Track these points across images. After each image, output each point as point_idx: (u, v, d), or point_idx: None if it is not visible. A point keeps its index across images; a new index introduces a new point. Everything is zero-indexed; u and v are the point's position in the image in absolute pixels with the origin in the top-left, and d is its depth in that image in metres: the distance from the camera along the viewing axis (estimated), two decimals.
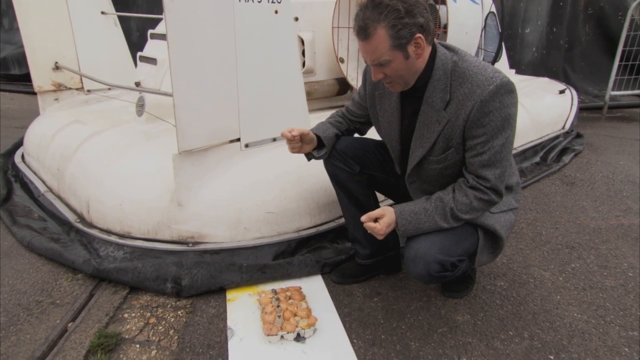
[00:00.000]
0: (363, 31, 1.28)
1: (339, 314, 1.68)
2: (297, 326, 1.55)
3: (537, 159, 3.44)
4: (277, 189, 1.95)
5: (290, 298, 1.71)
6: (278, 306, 1.64)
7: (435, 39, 1.41)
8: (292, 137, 1.58)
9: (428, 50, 1.35)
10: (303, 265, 1.89)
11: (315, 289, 1.83)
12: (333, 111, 1.83)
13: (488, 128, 1.33)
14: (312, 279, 1.90)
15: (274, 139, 2.10)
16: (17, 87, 5.69)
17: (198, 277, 1.77)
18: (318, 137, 1.68)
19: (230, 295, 1.79)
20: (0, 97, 5.46)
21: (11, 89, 5.71)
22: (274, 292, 1.74)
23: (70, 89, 3.13)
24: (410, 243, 1.49)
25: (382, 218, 1.43)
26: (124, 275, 1.78)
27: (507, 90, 1.31)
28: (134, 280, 1.78)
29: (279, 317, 1.58)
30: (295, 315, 1.60)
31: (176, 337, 1.58)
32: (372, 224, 1.42)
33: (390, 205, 1.50)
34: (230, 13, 1.78)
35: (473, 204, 1.42)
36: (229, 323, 1.63)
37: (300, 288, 1.79)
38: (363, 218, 1.43)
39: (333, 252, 2.01)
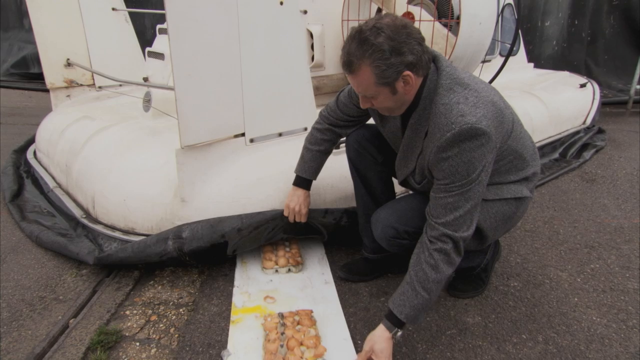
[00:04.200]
0: (347, 66, 1.24)
1: (345, 313, 1.62)
2: (301, 357, 1.39)
3: (555, 155, 3.31)
4: (283, 184, 1.89)
5: (298, 323, 1.52)
6: (282, 333, 1.46)
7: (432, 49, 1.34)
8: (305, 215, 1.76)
9: (419, 81, 1.28)
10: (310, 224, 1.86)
11: (329, 313, 1.63)
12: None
13: (447, 172, 1.26)
14: (327, 301, 1.70)
15: (280, 134, 2.05)
16: (36, 85, 5.80)
17: (198, 228, 1.75)
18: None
19: (235, 316, 1.61)
20: (19, 94, 5.57)
21: (30, 87, 5.83)
22: (281, 316, 1.55)
23: (81, 85, 3.15)
24: (377, 209, 1.60)
25: (374, 355, 1.32)
26: (124, 252, 1.77)
27: (468, 136, 1.21)
28: (135, 251, 1.76)
29: (282, 346, 1.41)
30: (301, 344, 1.42)
31: (177, 335, 1.55)
32: None
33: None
34: (234, 4, 1.74)
35: (439, 265, 1.29)
36: (229, 346, 1.47)
37: (312, 312, 1.59)
38: None
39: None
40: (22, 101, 5.26)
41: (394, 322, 1.32)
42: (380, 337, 1.32)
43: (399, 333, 1.33)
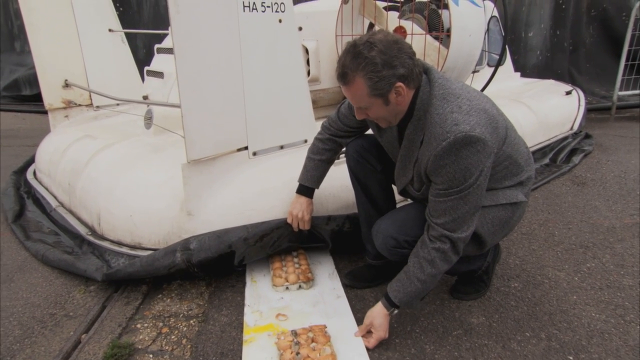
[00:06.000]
0: (342, 78, 1.32)
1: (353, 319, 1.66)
2: None
3: (546, 160, 3.41)
4: (285, 195, 1.94)
5: (313, 340, 1.49)
6: (298, 353, 1.43)
7: (424, 62, 1.40)
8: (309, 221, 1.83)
9: (411, 93, 1.35)
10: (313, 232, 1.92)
11: (343, 327, 1.60)
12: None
13: (445, 178, 1.32)
14: (340, 315, 1.68)
15: (282, 147, 2.11)
16: (29, 107, 5.81)
17: (205, 240, 1.80)
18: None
19: (248, 335, 1.58)
20: (12, 117, 5.57)
21: (23, 109, 5.84)
22: (294, 334, 1.52)
23: (80, 105, 3.19)
24: (378, 220, 1.63)
25: (373, 329, 1.51)
26: (132, 267, 1.80)
27: (463, 144, 1.26)
28: (144, 265, 1.79)
29: None
30: None
31: (189, 346, 1.57)
32: (372, 342, 1.51)
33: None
34: (235, 23, 1.81)
35: (435, 262, 1.40)
36: None
37: (325, 327, 1.56)
38: (357, 334, 1.54)
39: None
40: (16, 123, 5.26)
41: (391, 304, 1.48)
42: (379, 314, 1.50)
43: (395, 311, 1.51)
